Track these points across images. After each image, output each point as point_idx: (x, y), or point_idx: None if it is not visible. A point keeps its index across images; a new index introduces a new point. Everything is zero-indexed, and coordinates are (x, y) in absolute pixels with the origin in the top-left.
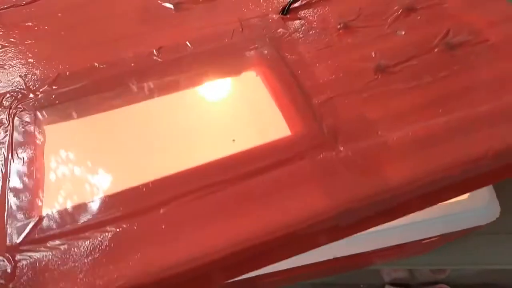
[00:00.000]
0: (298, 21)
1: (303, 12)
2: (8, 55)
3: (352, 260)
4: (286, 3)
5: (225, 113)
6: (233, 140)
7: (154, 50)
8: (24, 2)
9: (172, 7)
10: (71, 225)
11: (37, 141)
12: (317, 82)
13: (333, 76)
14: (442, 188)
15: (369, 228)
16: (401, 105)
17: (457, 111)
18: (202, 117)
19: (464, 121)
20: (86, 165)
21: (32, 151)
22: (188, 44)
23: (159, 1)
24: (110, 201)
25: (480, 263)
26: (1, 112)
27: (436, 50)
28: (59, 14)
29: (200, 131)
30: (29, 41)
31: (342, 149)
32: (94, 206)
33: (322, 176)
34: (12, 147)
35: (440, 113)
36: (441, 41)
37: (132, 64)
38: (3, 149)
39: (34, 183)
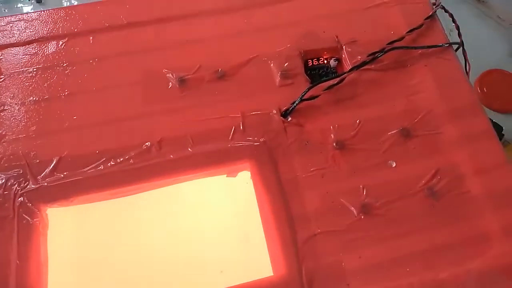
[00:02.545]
0: (297, 128)
1: (303, 118)
2: (8, 123)
3: None
4: (289, 105)
5: (216, 240)
6: (221, 271)
7: (155, 143)
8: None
9: (177, 83)
10: None
11: (41, 235)
12: (305, 211)
13: (321, 207)
14: None
15: None
16: (374, 257)
17: (421, 274)
18: (195, 237)
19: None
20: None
21: (36, 247)
22: (190, 139)
23: (164, 71)
24: None
25: None
26: (6, 202)
27: (419, 195)
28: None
29: (191, 255)
30: (30, 113)
31: None
32: None
33: None
34: (18, 243)
35: (407, 272)
36: (426, 185)
37: (132, 161)
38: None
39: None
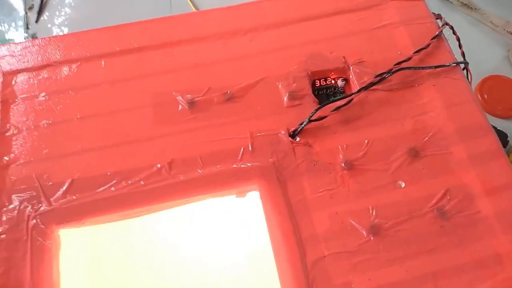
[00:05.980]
0: (305, 148)
1: (311, 138)
2: (22, 146)
3: None
4: (297, 126)
5: (226, 262)
6: None
7: (166, 165)
8: (42, 96)
9: (187, 105)
10: None
11: (53, 257)
12: (314, 233)
13: (330, 228)
14: None
15: None
16: (384, 279)
17: None
18: (205, 259)
19: None
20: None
21: (49, 268)
22: (199, 160)
23: (173, 93)
24: None
25: None
26: (19, 224)
27: (429, 215)
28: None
29: (201, 277)
30: (43, 136)
31: None
32: None
33: None
34: (31, 265)
35: None
36: (435, 205)
37: (142, 182)
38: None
39: None
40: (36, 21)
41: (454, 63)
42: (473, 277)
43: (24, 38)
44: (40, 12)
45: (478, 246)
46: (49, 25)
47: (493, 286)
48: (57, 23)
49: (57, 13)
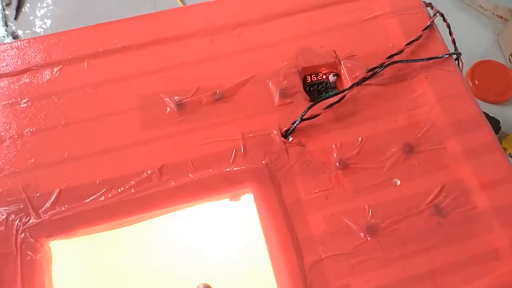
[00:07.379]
0: (298, 148)
1: (304, 137)
2: (6, 156)
3: None
4: (289, 125)
5: (222, 267)
6: None
7: (156, 171)
8: (24, 102)
9: (175, 107)
10: None
11: (45, 272)
12: (310, 235)
13: (326, 229)
14: None
15: None
16: (382, 280)
17: None
18: (201, 264)
19: None
20: None
21: (41, 283)
22: (191, 164)
23: (161, 95)
24: None
25: None
26: (8, 239)
27: (425, 213)
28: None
29: (197, 281)
30: (27, 145)
31: None
32: None
33: None
34: (22, 281)
35: None
36: (432, 202)
37: (133, 190)
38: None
39: None
40: (15, 18)
41: (446, 54)
42: (471, 273)
43: (3, 36)
44: (19, 8)
45: (475, 242)
46: (31, 17)
47: (491, 281)
48: (39, 15)
49: (39, 4)
